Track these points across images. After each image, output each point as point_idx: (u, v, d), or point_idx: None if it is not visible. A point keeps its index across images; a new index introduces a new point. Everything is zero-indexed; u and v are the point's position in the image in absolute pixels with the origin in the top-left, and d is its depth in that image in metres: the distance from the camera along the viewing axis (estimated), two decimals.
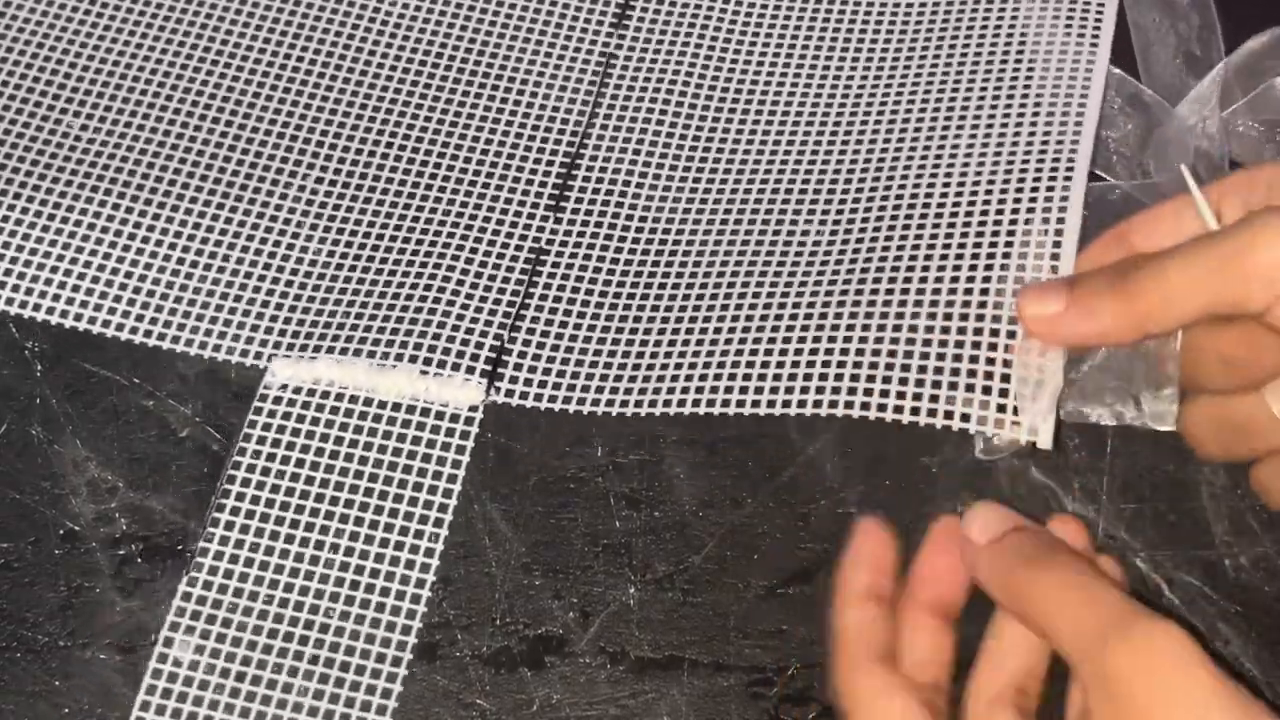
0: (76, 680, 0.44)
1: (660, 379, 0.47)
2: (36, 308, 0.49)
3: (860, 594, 0.40)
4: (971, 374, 0.43)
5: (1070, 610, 0.36)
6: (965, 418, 0.43)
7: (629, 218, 0.51)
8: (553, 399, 0.47)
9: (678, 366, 0.47)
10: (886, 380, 0.44)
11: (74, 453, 0.47)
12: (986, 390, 0.43)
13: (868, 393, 0.44)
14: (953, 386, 0.43)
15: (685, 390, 0.46)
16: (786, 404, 0.45)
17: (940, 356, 0.44)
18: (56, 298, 0.49)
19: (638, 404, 0.47)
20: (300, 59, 0.54)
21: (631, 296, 0.49)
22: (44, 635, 0.44)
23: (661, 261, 0.50)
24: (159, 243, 0.50)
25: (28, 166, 0.51)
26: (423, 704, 0.43)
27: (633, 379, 0.47)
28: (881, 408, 0.44)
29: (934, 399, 0.43)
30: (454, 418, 0.47)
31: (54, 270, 0.49)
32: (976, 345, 0.44)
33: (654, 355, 0.48)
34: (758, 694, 0.44)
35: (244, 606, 0.44)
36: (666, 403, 0.47)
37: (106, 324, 0.49)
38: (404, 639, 0.44)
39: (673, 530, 0.46)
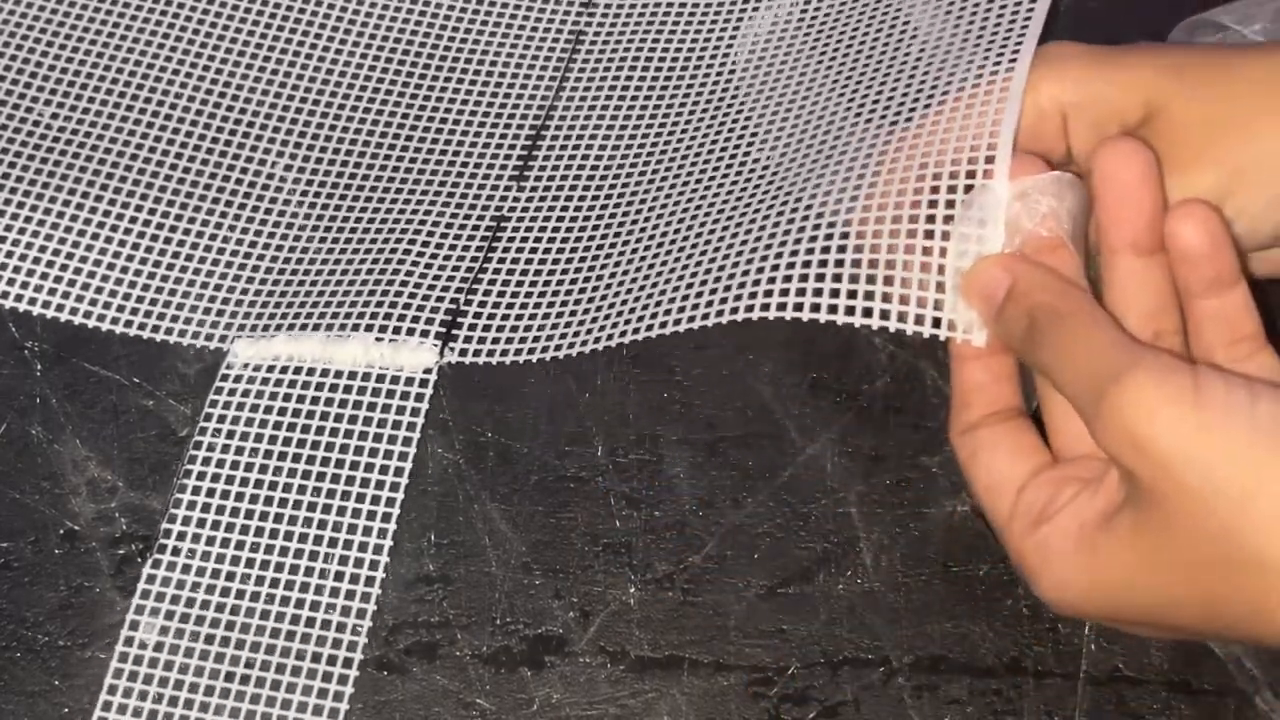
0: (76, 680, 0.44)
1: (608, 316, 0.47)
2: (5, 295, 0.49)
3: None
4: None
5: (1070, 368, 0.38)
6: (902, 317, 0.41)
7: (596, 188, 0.51)
8: (504, 353, 0.47)
9: (624, 302, 0.47)
10: (819, 280, 0.42)
11: (74, 452, 0.47)
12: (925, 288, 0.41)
13: (816, 292, 0.42)
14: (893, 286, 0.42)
15: (630, 318, 0.46)
16: (720, 312, 0.44)
17: (874, 263, 0.42)
18: (10, 282, 0.49)
19: (584, 342, 0.47)
20: (262, 39, 0.54)
21: (593, 265, 0.49)
22: (44, 635, 0.44)
23: (624, 233, 0.50)
24: (113, 228, 0.50)
25: None
26: (423, 704, 0.43)
27: (581, 322, 0.47)
28: (815, 308, 0.42)
29: (884, 299, 0.41)
30: (409, 382, 0.47)
31: (22, 259, 0.50)
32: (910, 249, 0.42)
33: (608, 297, 0.48)
34: (758, 694, 0.44)
35: (207, 585, 0.45)
36: (610, 335, 0.46)
37: (68, 310, 0.49)
38: (364, 606, 0.44)
39: (673, 530, 0.46)
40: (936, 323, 0.41)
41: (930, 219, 0.42)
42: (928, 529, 0.46)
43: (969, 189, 0.42)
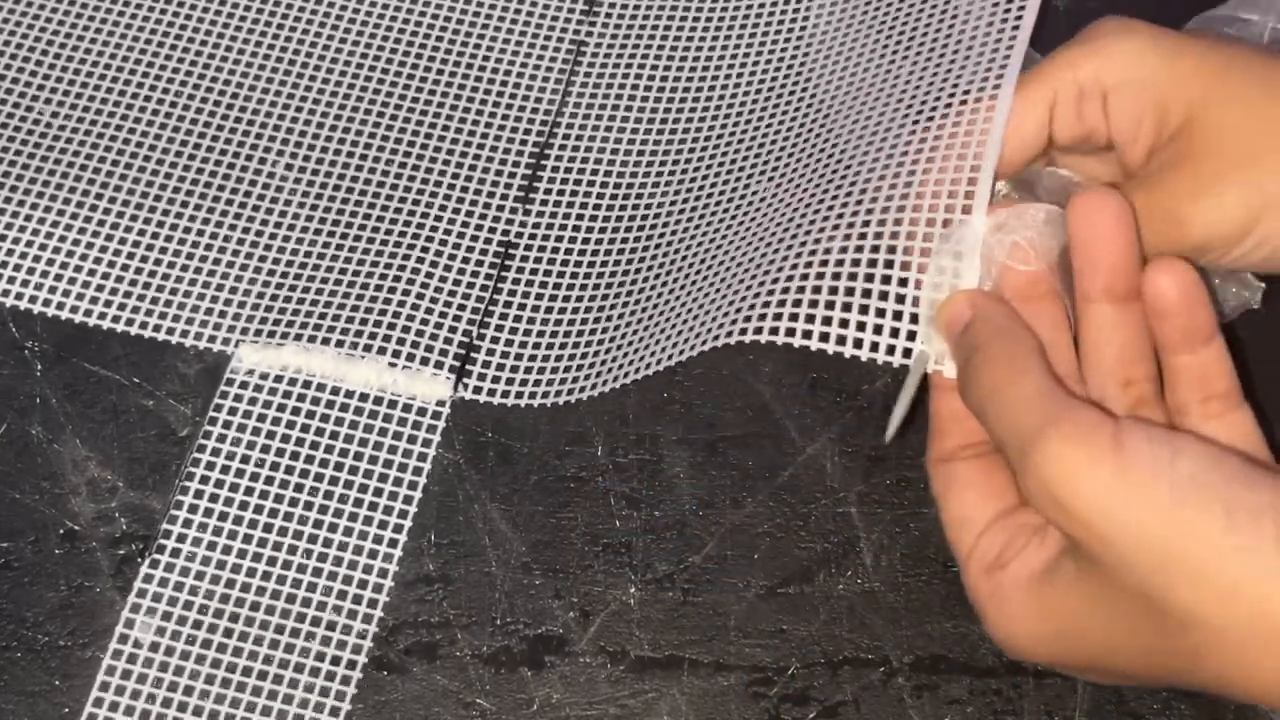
0: (76, 680, 0.44)
1: (615, 356, 0.47)
2: (5, 293, 0.49)
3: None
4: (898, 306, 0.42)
5: (998, 416, 0.38)
6: (891, 349, 0.41)
7: (597, 208, 0.51)
8: (519, 395, 0.47)
9: (637, 337, 0.47)
10: (810, 307, 0.43)
11: (74, 452, 0.47)
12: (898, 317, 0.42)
13: (793, 317, 0.42)
14: (897, 318, 0.42)
15: (633, 358, 0.46)
16: (704, 340, 0.44)
17: (865, 293, 0.42)
18: (12, 280, 0.49)
19: (594, 385, 0.47)
20: (271, 52, 0.54)
21: (608, 289, 0.49)
22: (44, 635, 0.44)
23: (635, 253, 0.50)
24: (128, 228, 0.51)
25: None
26: (423, 704, 0.43)
27: (591, 365, 0.47)
28: (807, 334, 0.42)
29: (875, 330, 0.42)
30: (421, 411, 0.47)
31: (23, 256, 0.50)
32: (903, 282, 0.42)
33: (616, 339, 0.48)
34: (758, 694, 0.44)
35: (205, 590, 0.45)
36: (616, 377, 0.46)
37: (74, 309, 0.49)
38: (365, 627, 0.44)
39: (673, 530, 0.46)
40: (908, 353, 0.41)
41: (909, 250, 0.42)
42: (928, 529, 0.46)
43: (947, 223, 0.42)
